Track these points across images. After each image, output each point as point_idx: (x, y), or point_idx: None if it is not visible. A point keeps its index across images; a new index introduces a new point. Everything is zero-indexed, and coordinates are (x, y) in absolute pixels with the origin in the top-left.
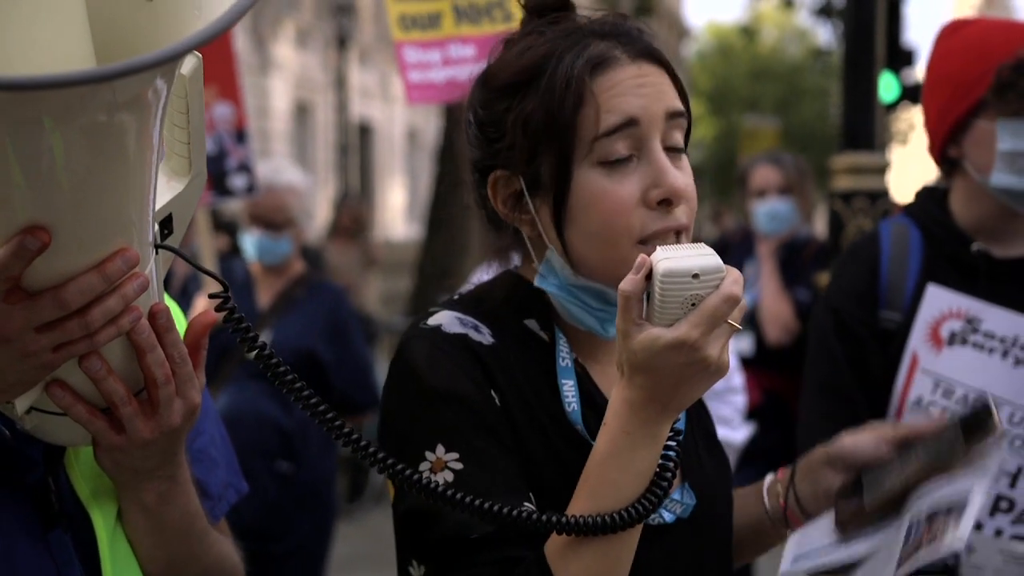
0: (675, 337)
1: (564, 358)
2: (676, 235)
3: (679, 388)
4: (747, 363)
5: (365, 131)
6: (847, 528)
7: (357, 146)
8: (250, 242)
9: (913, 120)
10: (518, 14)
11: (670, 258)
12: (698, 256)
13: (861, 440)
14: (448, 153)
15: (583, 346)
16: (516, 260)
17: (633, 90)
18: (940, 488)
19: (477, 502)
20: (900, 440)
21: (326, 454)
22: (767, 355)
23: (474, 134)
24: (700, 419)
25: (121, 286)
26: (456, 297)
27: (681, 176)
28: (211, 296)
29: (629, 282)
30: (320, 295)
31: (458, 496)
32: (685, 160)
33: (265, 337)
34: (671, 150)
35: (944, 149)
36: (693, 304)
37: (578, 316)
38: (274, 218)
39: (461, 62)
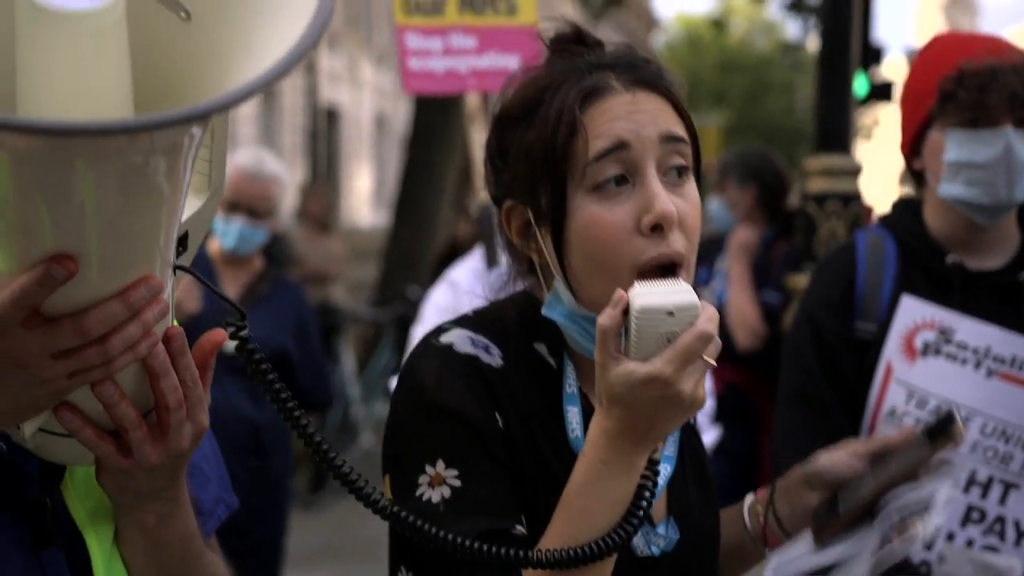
0: (649, 372)
1: (570, 385)
2: (673, 265)
3: (654, 421)
4: None
5: (332, 116)
6: (822, 537)
7: (325, 131)
8: (231, 229)
9: (878, 116)
10: (523, 6)
11: (646, 294)
12: (674, 293)
13: (835, 458)
14: (417, 140)
15: (589, 374)
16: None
17: (624, 116)
18: (908, 492)
19: (443, 534)
20: (873, 454)
21: (286, 448)
22: (729, 349)
23: (488, 166)
24: (693, 451)
25: (141, 312)
26: (472, 313)
27: (678, 201)
28: (227, 324)
29: (606, 316)
30: (284, 291)
31: (433, 530)
32: (690, 186)
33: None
34: (673, 174)
35: (910, 162)
36: (669, 340)
37: (584, 345)
38: (259, 207)
39: (462, 53)
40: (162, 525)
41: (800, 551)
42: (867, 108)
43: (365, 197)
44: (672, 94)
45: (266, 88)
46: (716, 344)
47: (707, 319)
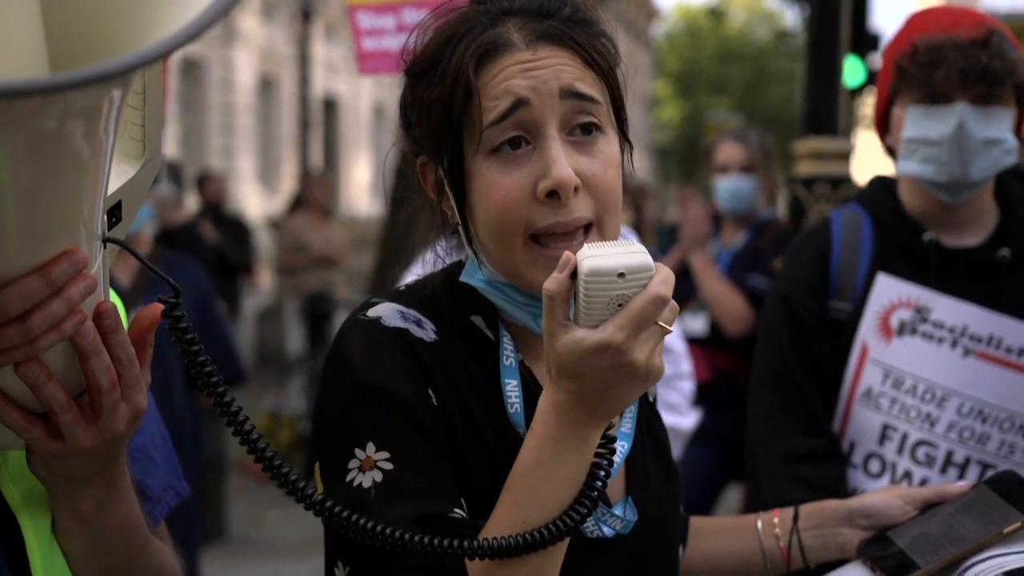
0: (599, 340)
1: (508, 357)
2: (583, 230)
3: (606, 392)
4: (700, 342)
5: (330, 106)
6: None
7: (321, 121)
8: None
9: None
10: None
11: (595, 256)
12: (625, 254)
13: (887, 500)
14: None
15: (528, 345)
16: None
17: (520, 74)
18: (1003, 554)
19: (373, 526)
20: (924, 502)
21: (197, 443)
22: (719, 335)
23: (401, 118)
24: (651, 430)
25: (66, 288)
26: (402, 288)
27: (585, 161)
28: (160, 300)
29: (554, 281)
30: (180, 270)
31: (361, 522)
32: (603, 143)
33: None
34: (579, 132)
35: (883, 139)
36: (620, 305)
37: (510, 312)
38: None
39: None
40: (100, 512)
41: None
42: (865, 96)
43: (364, 187)
44: (583, 48)
45: (187, 43)
46: (672, 308)
47: (661, 281)
